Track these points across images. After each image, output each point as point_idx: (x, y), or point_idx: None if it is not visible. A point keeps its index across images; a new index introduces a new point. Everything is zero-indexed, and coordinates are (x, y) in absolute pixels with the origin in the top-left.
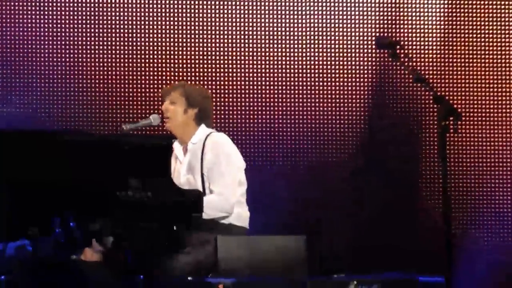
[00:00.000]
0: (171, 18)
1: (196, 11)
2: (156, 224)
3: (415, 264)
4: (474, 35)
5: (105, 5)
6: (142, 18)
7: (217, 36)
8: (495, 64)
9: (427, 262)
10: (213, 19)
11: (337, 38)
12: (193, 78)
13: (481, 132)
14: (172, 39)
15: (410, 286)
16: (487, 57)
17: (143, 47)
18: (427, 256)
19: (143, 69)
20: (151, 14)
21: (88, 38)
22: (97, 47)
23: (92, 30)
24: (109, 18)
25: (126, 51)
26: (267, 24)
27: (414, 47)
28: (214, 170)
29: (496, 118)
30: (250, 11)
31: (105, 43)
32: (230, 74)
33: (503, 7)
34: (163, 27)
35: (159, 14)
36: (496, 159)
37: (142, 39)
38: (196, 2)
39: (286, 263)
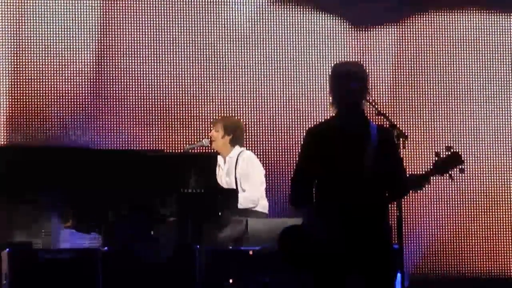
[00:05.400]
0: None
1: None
2: (206, 210)
3: None
4: (413, 82)
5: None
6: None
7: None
8: (428, 101)
9: None
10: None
11: None
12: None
13: (420, 147)
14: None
15: None
16: (423, 97)
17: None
18: None
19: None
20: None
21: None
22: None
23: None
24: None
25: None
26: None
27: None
28: (244, 175)
29: (428, 136)
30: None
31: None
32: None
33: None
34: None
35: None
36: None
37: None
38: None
39: None
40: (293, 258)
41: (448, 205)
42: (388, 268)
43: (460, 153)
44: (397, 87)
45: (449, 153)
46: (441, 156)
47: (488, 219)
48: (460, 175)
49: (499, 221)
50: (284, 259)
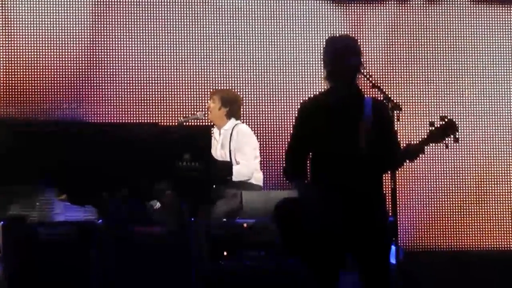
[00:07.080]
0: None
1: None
2: (201, 183)
3: None
4: (407, 57)
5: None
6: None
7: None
8: (421, 73)
9: None
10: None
11: None
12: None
13: (412, 120)
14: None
15: None
16: (414, 70)
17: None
18: None
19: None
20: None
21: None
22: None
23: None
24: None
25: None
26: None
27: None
28: (238, 148)
29: (423, 109)
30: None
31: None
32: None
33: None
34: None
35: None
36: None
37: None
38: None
39: None
40: (288, 232)
41: (442, 179)
42: (384, 240)
43: (455, 120)
44: (391, 60)
45: (444, 122)
46: (436, 125)
47: (481, 192)
48: (454, 145)
49: (492, 195)
50: (280, 234)
